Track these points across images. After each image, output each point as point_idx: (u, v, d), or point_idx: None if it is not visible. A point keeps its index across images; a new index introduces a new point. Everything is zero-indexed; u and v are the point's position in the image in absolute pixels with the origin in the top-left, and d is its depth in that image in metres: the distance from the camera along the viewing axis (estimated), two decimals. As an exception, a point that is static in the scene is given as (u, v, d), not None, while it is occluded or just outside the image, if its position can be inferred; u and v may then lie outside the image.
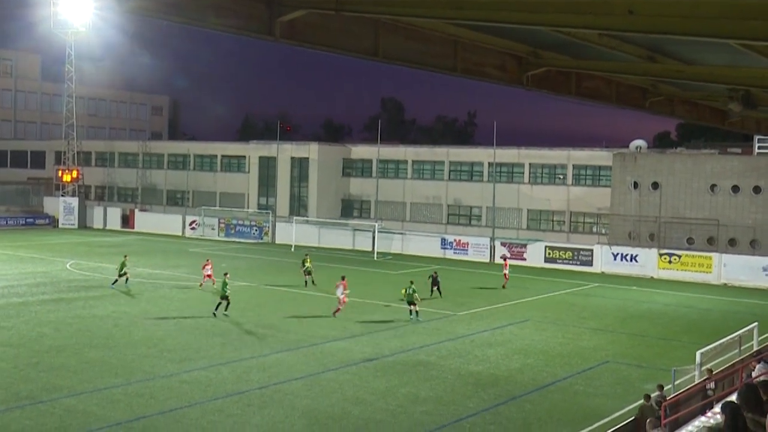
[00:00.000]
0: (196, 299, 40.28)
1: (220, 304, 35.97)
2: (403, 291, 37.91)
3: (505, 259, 51.94)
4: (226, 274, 36.85)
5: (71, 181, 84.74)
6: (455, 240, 64.70)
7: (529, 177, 69.94)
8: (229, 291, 35.94)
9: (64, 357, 27.55)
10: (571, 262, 59.26)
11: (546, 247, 60.71)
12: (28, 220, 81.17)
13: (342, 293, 36.96)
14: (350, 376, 26.29)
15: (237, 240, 73.05)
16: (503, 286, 47.67)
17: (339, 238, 69.45)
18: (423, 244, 65.72)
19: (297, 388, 24.69)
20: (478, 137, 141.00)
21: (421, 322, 36.35)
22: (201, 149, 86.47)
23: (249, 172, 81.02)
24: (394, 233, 68.10)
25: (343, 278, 38.14)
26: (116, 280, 42.91)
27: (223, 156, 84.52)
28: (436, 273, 45.06)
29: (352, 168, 79.27)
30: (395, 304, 40.81)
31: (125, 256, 45.26)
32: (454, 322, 36.90)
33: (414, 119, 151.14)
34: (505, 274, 48.61)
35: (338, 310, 36.75)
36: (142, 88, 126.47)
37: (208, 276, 43.26)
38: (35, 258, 55.03)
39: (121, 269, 42.88)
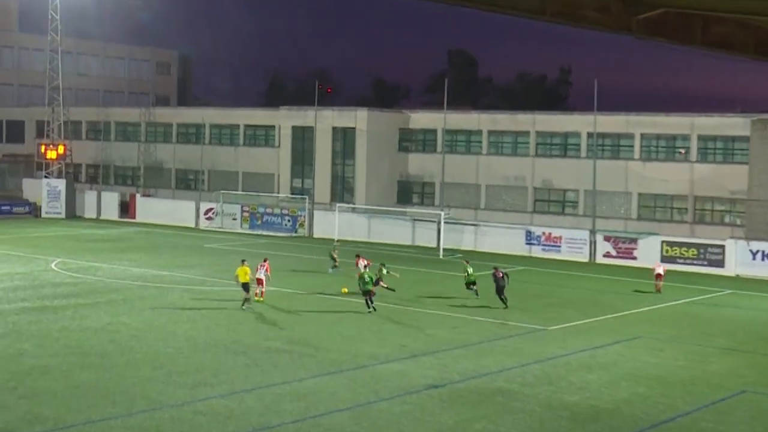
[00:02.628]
0: (213, 308, 40.72)
1: (371, 295, 40.87)
2: (468, 272, 44.97)
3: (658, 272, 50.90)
4: (383, 265, 43.68)
5: (57, 159, 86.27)
6: (544, 233, 64.35)
7: (641, 151, 69.19)
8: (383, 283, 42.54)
9: (50, 380, 28.06)
10: (695, 262, 58.58)
11: (663, 242, 60.05)
12: (3, 207, 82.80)
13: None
14: (409, 408, 26.36)
15: (265, 233, 73.59)
16: (658, 290, 49.14)
17: (394, 231, 69.52)
18: (502, 238, 65.47)
19: (341, 422, 24.82)
20: (573, 100, 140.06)
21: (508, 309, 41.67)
22: (219, 117, 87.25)
23: (279, 146, 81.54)
24: (465, 224, 67.97)
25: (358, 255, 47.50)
26: (335, 265, 51.63)
27: (246, 126, 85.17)
28: (498, 271, 43.31)
29: (410, 141, 79.19)
30: (466, 314, 40.80)
31: (336, 240, 54.75)
32: (542, 339, 36.75)
33: (490, 77, 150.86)
34: (658, 275, 49.63)
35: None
36: (145, 41, 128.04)
37: (260, 281, 42.19)
38: (11, 255, 56.10)
39: (332, 255, 52.18)
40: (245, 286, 40.44)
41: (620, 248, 61.33)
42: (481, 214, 73.03)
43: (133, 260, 55.74)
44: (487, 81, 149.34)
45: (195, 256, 58.54)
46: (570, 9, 14.98)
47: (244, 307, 40.15)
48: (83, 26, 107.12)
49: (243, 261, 41.85)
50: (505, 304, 42.51)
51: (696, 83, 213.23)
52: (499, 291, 42.58)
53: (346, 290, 44.79)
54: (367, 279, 40.88)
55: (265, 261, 43.14)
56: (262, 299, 42.00)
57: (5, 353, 31.35)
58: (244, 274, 40.49)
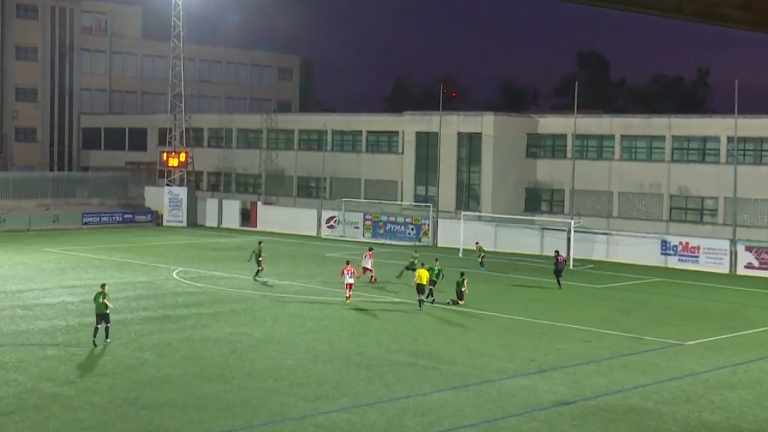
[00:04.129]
0: (336, 319, 41.10)
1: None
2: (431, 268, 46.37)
3: None
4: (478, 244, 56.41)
5: (178, 167, 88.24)
6: (681, 243, 63.24)
7: (786, 156, 67.47)
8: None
9: (171, 391, 28.70)
10: None
11: (809, 252, 58.56)
12: (125, 216, 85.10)
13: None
14: (538, 425, 26.17)
15: (388, 242, 73.98)
16: None
17: (522, 240, 69.16)
18: (636, 248, 64.54)
19: (466, 439, 24.76)
20: (711, 103, 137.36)
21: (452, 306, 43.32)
22: (341, 124, 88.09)
23: (403, 152, 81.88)
24: (596, 233, 67.20)
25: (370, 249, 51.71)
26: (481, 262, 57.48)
27: (369, 132, 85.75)
28: (561, 255, 53.70)
29: (539, 146, 78.67)
30: (598, 328, 40.37)
31: (477, 243, 60.92)
32: (679, 354, 36.11)
33: (623, 79, 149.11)
34: None
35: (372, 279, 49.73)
36: (267, 47, 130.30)
37: (349, 285, 44.68)
38: (134, 264, 57.61)
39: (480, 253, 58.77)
40: (420, 288, 43.24)
41: (764, 259, 59.89)
42: (614, 223, 72.08)
43: (254, 270, 56.59)
44: (620, 83, 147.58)
45: (316, 266, 59.18)
46: (708, 7, 14.64)
47: (422, 309, 43.26)
48: (205, 33, 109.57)
49: (423, 264, 46.27)
50: (559, 285, 51.58)
51: None
52: (557, 273, 52.02)
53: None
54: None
55: (348, 264, 45.42)
56: (348, 302, 44.35)
57: (127, 363, 32.18)
58: (424, 276, 43.38)
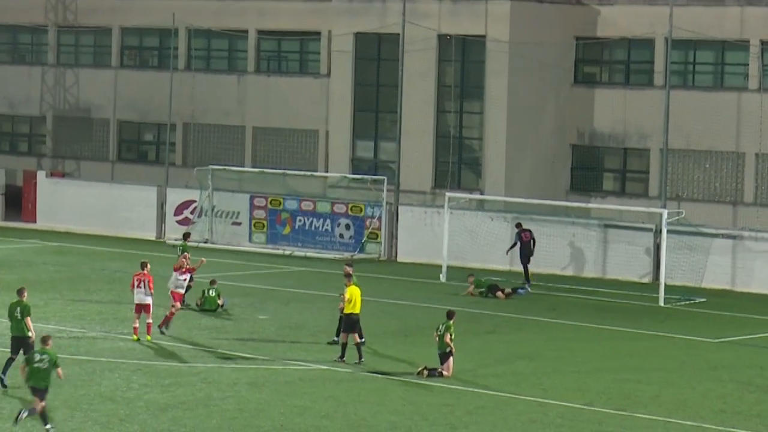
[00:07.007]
0: (196, 406, 40.78)
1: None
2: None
3: None
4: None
5: None
6: None
7: None
8: None
9: None
10: None
11: None
12: None
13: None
14: None
15: (300, 253, 73.84)
16: None
17: (566, 251, 69.20)
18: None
19: None
20: None
21: None
22: (206, 16, 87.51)
23: (329, 74, 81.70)
24: (713, 236, 67.21)
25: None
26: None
27: (261, 33, 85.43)
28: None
29: (599, 63, 78.80)
30: (713, 423, 40.28)
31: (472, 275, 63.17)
32: None
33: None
34: None
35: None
36: None
37: (146, 306, 48.60)
38: None
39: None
40: (351, 323, 45.93)
41: None
42: (746, 214, 72.20)
43: (30, 307, 56.20)
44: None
45: (159, 299, 58.71)
46: None
47: (361, 362, 46.28)
48: None
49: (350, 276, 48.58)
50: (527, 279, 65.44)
51: None
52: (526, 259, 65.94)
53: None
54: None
55: (144, 268, 49.36)
56: (149, 336, 48.88)
57: None
58: (357, 298, 46.32)
